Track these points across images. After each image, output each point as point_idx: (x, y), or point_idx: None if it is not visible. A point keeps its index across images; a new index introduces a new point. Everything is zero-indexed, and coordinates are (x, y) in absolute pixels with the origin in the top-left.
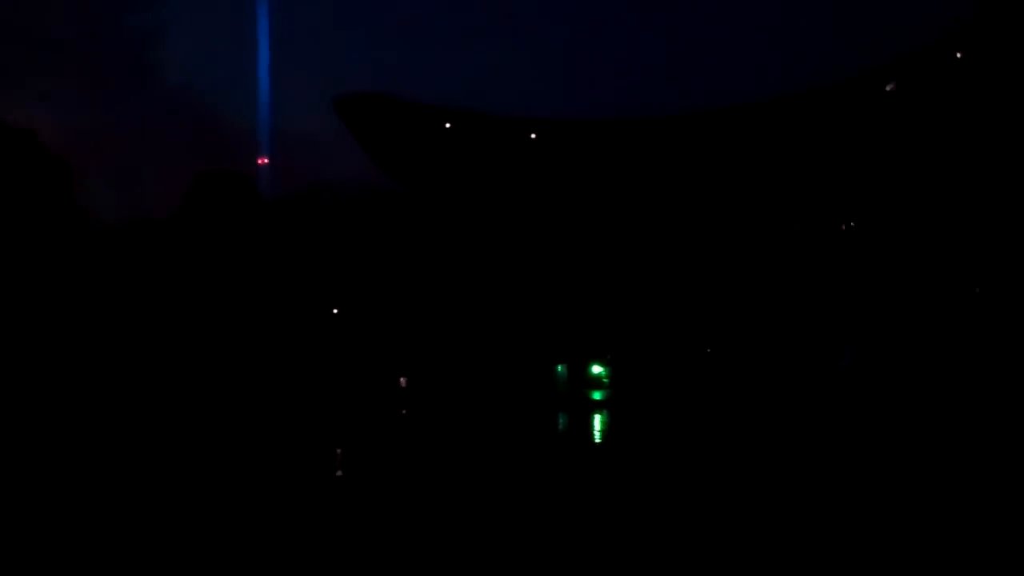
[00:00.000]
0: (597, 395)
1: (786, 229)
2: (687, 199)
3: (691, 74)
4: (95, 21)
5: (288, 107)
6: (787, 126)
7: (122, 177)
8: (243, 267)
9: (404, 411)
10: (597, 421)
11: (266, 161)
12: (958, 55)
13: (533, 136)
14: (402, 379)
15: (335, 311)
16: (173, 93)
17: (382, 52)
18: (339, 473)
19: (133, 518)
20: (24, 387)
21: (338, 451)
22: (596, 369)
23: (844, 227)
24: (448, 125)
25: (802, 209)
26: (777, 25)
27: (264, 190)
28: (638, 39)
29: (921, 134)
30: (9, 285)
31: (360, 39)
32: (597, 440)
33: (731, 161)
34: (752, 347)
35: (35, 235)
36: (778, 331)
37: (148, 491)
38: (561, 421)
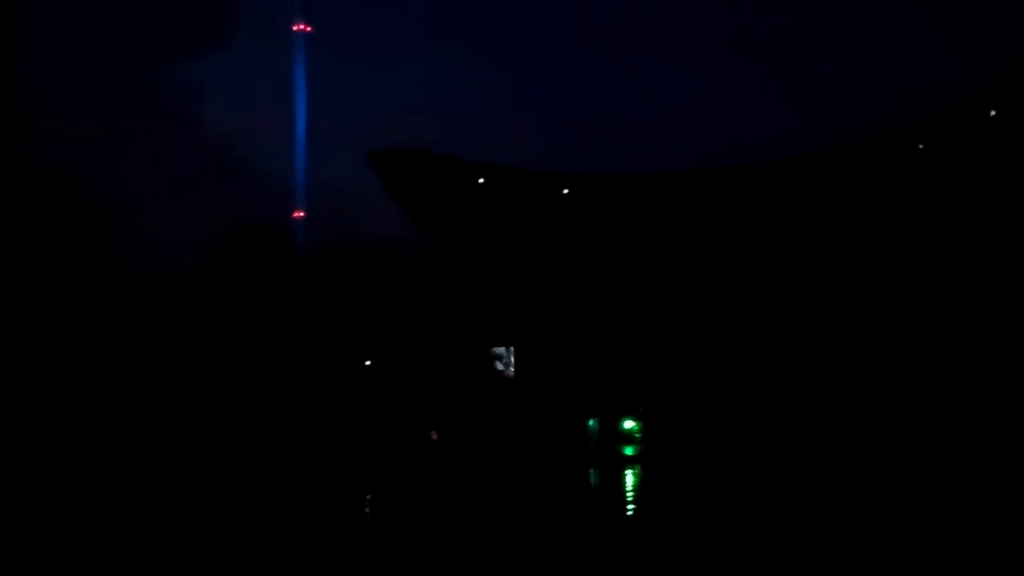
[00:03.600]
0: (629, 450)
1: None
2: (721, 256)
3: (725, 130)
4: (136, 75)
5: (324, 161)
6: (822, 183)
7: (160, 228)
8: (277, 319)
9: (435, 464)
10: (629, 477)
11: (302, 214)
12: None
13: (566, 191)
14: (433, 432)
15: (367, 363)
16: (211, 146)
17: (418, 106)
18: (370, 525)
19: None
20: (61, 435)
21: (368, 499)
22: (628, 424)
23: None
24: (481, 180)
25: (836, 266)
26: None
27: (299, 243)
28: (670, 94)
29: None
30: (52, 334)
31: (396, 93)
32: (629, 496)
33: (765, 219)
34: (787, 403)
35: (77, 284)
36: (815, 388)
37: (179, 543)
38: (593, 476)
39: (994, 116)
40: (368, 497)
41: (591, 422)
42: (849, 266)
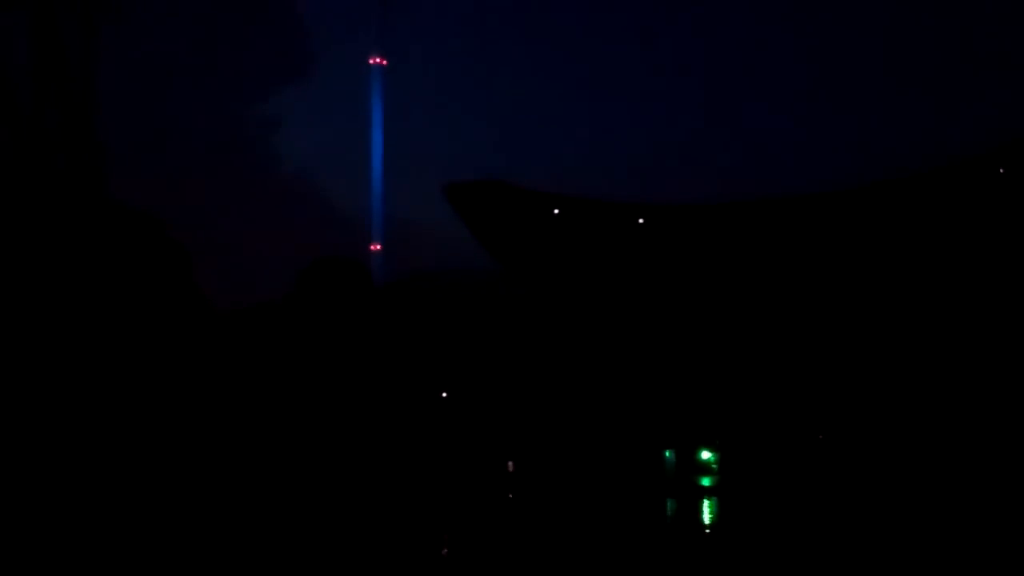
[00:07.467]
0: (706, 481)
1: None
2: (797, 283)
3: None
4: (216, 112)
5: (401, 194)
6: (904, 208)
7: (239, 261)
8: (355, 350)
9: (511, 495)
10: (706, 508)
11: (379, 247)
12: None
13: (641, 221)
14: (510, 463)
15: (444, 394)
16: (290, 182)
17: (493, 139)
18: (445, 554)
19: None
20: (143, 467)
21: (445, 535)
22: (705, 455)
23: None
24: (556, 211)
25: (921, 293)
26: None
27: (376, 274)
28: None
29: None
30: (134, 369)
31: (472, 127)
32: (707, 527)
33: (835, 243)
34: (868, 433)
35: (157, 318)
36: (895, 416)
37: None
38: (669, 507)
39: None
40: (445, 536)
41: (668, 453)
42: (943, 298)
